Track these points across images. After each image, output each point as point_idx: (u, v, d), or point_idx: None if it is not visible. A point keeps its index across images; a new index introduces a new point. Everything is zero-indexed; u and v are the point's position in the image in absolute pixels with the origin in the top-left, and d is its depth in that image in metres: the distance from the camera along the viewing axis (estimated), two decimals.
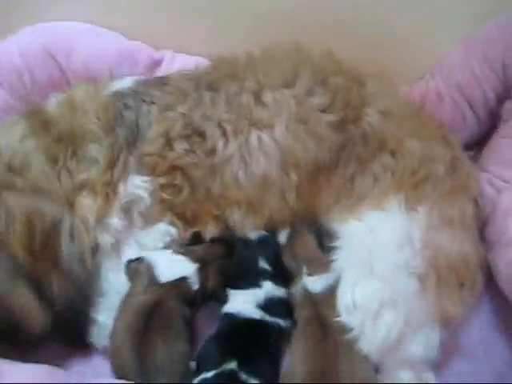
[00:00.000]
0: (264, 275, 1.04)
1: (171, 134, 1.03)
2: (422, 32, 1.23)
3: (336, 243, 0.98)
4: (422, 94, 1.25)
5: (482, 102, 1.20)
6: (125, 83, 1.12)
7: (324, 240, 1.04)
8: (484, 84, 1.18)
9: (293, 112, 1.02)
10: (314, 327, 0.95)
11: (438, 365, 0.98)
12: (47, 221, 0.94)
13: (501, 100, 1.18)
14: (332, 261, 0.97)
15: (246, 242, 1.07)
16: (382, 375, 0.94)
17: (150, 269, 1.01)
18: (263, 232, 1.08)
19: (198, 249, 1.06)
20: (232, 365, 0.91)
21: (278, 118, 1.01)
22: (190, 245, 1.08)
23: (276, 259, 1.06)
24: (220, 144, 1.02)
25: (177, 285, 1.00)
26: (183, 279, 1.01)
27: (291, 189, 1.03)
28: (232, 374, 0.91)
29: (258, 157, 1.02)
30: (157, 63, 1.32)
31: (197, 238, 1.08)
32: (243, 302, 1.01)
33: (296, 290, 1.01)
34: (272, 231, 1.09)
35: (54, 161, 1.02)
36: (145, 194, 1.03)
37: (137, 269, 1.02)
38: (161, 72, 1.29)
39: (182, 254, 1.04)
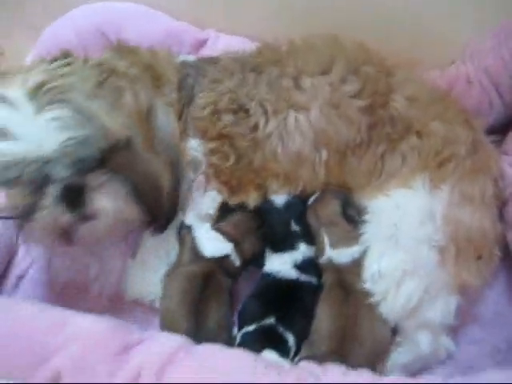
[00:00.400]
0: (298, 237, 1.12)
1: (219, 106, 1.10)
2: (455, 20, 1.28)
3: (365, 217, 1.06)
4: (452, 78, 1.29)
5: (508, 88, 1.23)
6: (189, 57, 1.22)
7: (349, 210, 1.11)
8: None
9: (327, 97, 1.08)
10: (336, 292, 1.03)
11: (454, 331, 1.06)
12: (145, 102, 0.97)
13: None
14: (360, 233, 1.05)
15: (274, 209, 1.14)
16: (402, 336, 1.02)
17: (194, 242, 1.08)
18: (286, 196, 1.14)
19: (228, 228, 1.11)
20: (271, 320, 1.00)
21: (314, 101, 1.08)
22: (219, 217, 1.14)
23: (303, 219, 1.13)
24: (262, 122, 1.10)
25: (221, 261, 1.08)
26: (226, 257, 1.08)
27: (321, 164, 1.11)
28: (271, 328, 1.00)
29: (294, 135, 1.09)
30: (202, 43, 1.39)
31: (225, 209, 1.14)
32: (282, 263, 1.09)
33: (322, 258, 1.08)
34: (299, 196, 1.15)
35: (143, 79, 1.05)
36: (201, 157, 1.11)
37: (184, 238, 1.10)
38: (206, 51, 1.36)
39: (216, 230, 1.10)
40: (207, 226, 1.11)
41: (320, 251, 1.09)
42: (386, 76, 1.12)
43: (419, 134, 1.08)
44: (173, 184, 1.00)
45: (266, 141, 1.10)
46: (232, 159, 1.11)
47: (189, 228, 1.10)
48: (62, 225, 0.89)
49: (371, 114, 1.09)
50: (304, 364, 0.92)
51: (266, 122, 1.10)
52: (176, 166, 1.02)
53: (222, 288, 1.06)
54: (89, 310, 1.05)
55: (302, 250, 1.11)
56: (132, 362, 0.84)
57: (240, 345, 1.00)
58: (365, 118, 1.08)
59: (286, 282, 1.07)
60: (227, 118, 1.10)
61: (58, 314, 0.92)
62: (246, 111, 1.11)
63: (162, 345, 0.88)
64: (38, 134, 0.82)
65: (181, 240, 1.11)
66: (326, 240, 1.08)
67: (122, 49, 1.14)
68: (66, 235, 0.92)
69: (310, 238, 1.12)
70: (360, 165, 1.10)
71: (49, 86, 0.85)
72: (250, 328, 1.01)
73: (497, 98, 1.26)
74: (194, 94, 1.12)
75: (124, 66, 1.03)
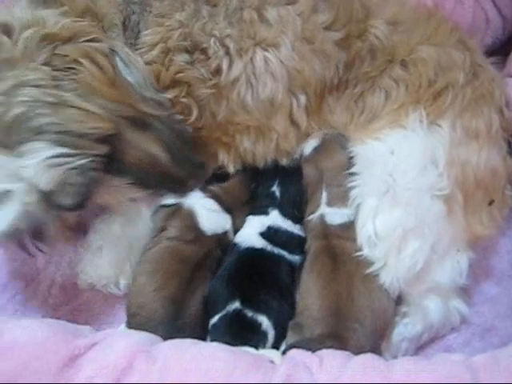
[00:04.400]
0: (273, 202, 1.02)
1: (169, 44, 0.94)
2: None
3: (354, 168, 0.94)
4: None
5: None
6: None
7: None
8: None
9: (298, 30, 0.95)
10: (324, 260, 0.92)
11: (466, 291, 0.95)
12: (104, 54, 0.87)
13: None
14: (351, 188, 0.93)
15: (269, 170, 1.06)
16: (408, 305, 0.92)
17: (191, 216, 0.97)
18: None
19: (221, 192, 1.03)
20: (236, 304, 0.88)
21: (284, 36, 0.95)
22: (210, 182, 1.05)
23: (293, 192, 1.03)
24: (225, 64, 0.95)
25: (221, 238, 0.98)
26: (225, 233, 0.99)
27: (301, 110, 0.98)
28: (237, 313, 0.88)
29: (264, 79, 0.96)
30: None
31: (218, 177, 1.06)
32: (249, 228, 1.00)
33: (312, 217, 0.97)
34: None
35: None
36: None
37: (173, 213, 0.99)
38: None
39: (211, 197, 1.01)
40: (203, 197, 1.01)
41: (312, 208, 0.98)
42: None
43: (404, 64, 0.97)
44: (172, 153, 0.93)
45: (231, 88, 0.96)
46: (195, 112, 0.96)
47: (176, 205, 1.00)
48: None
49: (348, 46, 0.97)
50: (294, 353, 0.78)
51: (230, 64, 0.95)
52: (167, 121, 0.93)
53: (213, 271, 0.96)
54: (39, 305, 1.03)
55: (273, 218, 1.00)
56: (81, 376, 0.73)
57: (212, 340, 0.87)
58: (341, 52, 0.97)
59: (251, 253, 0.96)
60: (181, 58, 0.94)
61: None
62: (204, 51, 0.95)
63: (117, 349, 0.76)
64: (31, 177, 0.78)
65: (167, 217, 1.00)
66: (324, 197, 0.98)
67: None
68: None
69: (295, 214, 1.01)
70: (339, 106, 0.99)
71: (5, 118, 0.77)
72: (215, 319, 0.89)
73: (494, 11, 1.14)
74: (140, 32, 0.96)
75: (53, 24, 0.85)
